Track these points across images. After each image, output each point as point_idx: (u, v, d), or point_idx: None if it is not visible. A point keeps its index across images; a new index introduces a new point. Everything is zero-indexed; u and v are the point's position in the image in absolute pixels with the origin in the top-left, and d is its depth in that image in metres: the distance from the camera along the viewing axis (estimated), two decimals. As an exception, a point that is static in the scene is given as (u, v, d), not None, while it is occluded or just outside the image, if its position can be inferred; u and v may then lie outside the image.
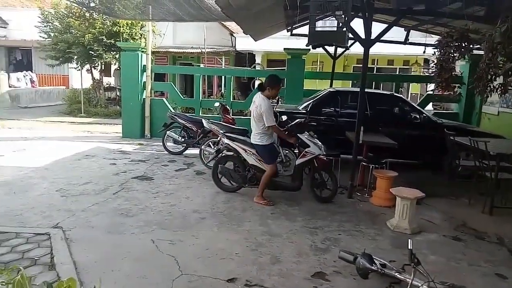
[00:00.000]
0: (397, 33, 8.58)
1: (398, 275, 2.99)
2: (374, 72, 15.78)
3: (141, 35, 13.77)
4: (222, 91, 14.42)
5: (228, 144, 5.29)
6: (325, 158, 5.10)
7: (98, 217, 4.38)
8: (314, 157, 4.98)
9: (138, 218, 4.40)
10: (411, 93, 16.94)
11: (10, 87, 16.67)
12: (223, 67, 16.00)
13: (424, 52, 8.14)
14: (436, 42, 5.06)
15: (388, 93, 7.68)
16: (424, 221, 4.65)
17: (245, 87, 16.26)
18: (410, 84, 16.73)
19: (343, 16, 4.13)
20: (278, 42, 12.70)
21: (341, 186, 5.70)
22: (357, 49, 9.08)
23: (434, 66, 5.12)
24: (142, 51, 9.43)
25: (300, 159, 5.05)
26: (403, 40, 8.80)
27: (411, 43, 8.69)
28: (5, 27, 18.93)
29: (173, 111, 9.15)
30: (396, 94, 7.56)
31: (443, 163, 6.71)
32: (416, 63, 15.31)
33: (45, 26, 14.04)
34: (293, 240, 3.97)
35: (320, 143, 5.07)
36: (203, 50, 15.34)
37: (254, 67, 15.96)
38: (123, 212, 4.56)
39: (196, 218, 4.49)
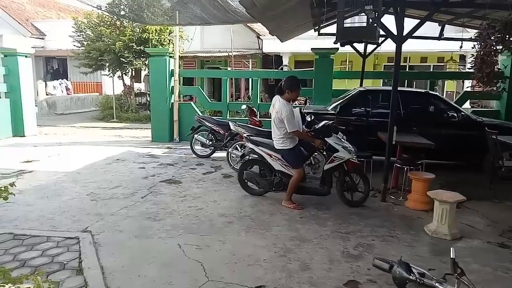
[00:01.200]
0: (430, 28, 8.19)
1: (439, 286, 2.76)
2: (407, 70, 15.22)
3: (169, 41, 13.96)
4: (250, 93, 14.38)
5: (252, 149, 5.17)
6: (356, 161, 4.87)
7: (126, 221, 4.39)
8: (343, 162, 4.77)
9: (165, 222, 4.36)
10: (446, 91, 16.23)
11: (47, 94, 17.39)
12: (250, 70, 15.97)
13: (460, 47, 7.70)
14: (476, 35, 4.73)
15: (422, 91, 7.33)
16: (465, 226, 4.33)
17: (272, 89, 16.13)
18: (445, 81, 16.02)
19: (373, 11, 3.92)
20: (306, 42, 12.48)
21: (374, 188, 5.46)
22: (388, 47, 8.75)
23: (474, 60, 4.78)
24: (170, 56, 9.53)
25: (328, 164, 4.83)
26: (437, 36, 8.38)
27: (446, 39, 8.26)
28: (43, 38, 19.81)
29: (200, 114, 9.18)
30: (431, 92, 7.20)
31: (484, 164, 6.30)
32: (451, 60, 14.65)
33: (78, 35, 14.55)
34: (323, 246, 3.80)
35: (350, 145, 4.83)
36: (230, 54, 15.38)
37: (282, 68, 15.82)
38: (151, 216, 4.55)
39: (223, 222, 4.40)
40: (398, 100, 6.26)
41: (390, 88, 5.32)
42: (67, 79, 20.35)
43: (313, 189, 5.04)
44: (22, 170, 6.64)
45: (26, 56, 10.26)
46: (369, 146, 6.03)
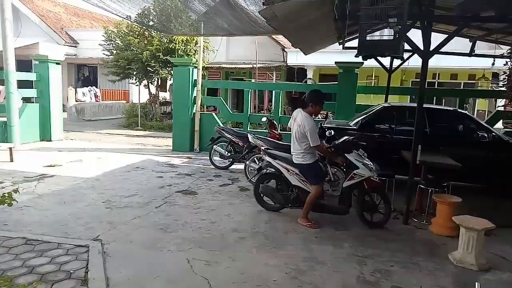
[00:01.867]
0: (461, 44, 7.89)
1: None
2: (436, 87, 14.75)
3: (195, 52, 14.14)
4: (273, 106, 14.31)
5: (269, 162, 5.03)
6: (377, 180, 4.65)
7: (138, 231, 4.34)
8: (363, 179, 4.56)
9: (177, 234, 4.28)
10: (477, 110, 15.60)
11: (76, 101, 17.96)
12: (273, 82, 15.94)
13: (493, 64, 7.34)
14: (509, 51, 4.47)
15: (451, 109, 7.01)
16: (494, 256, 4.01)
17: (296, 102, 15.98)
18: (477, 100, 15.42)
19: (397, 24, 3.75)
20: (330, 56, 12.33)
21: (396, 210, 5.19)
22: (416, 62, 8.44)
23: (507, 78, 4.51)
24: (194, 66, 9.61)
25: (348, 181, 4.62)
26: (467, 52, 8.05)
27: (477, 55, 7.92)
28: (76, 46, 20.59)
29: (221, 125, 9.16)
30: (460, 110, 6.87)
31: (516, 189, 5.91)
32: (483, 77, 14.10)
33: (108, 44, 14.99)
34: (338, 269, 3.60)
35: (370, 163, 4.62)
36: (255, 66, 15.42)
37: (306, 81, 15.70)
38: (163, 227, 4.48)
39: (235, 237, 4.27)
40: (424, 118, 6.02)
41: (415, 104, 5.10)
42: (96, 87, 20.98)
43: (331, 207, 4.84)
44: (44, 174, 6.77)
45: (57, 63, 10.60)
46: (391, 165, 5.80)
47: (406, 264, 3.78)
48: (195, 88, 9.62)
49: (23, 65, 14.96)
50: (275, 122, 7.88)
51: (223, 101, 10.43)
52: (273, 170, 5.12)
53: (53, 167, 7.37)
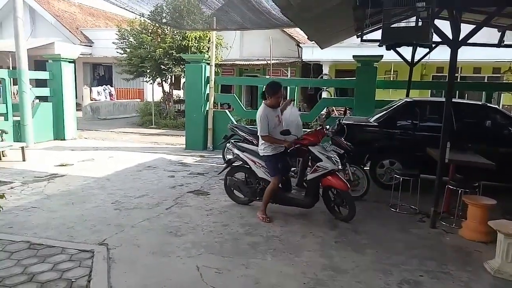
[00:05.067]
0: (486, 36, 7.41)
1: None
2: (459, 81, 14.15)
3: (208, 49, 13.93)
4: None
5: (238, 155, 5.01)
6: (342, 178, 4.53)
7: (146, 234, 4.11)
8: (327, 172, 4.41)
9: (187, 238, 4.04)
10: (503, 105, 14.90)
11: (91, 100, 18.01)
12: (287, 78, 15.58)
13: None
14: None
15: (480, 103, 6.56)
16: (535, 265, 3.62)
17: (311, 99, 15.64)
18: (502, 94, 14.73)
19: (425, 8, 3.39)
20: (347, 50, 11.93)
21: (422, 212, 4.83)
22: (437, 55, 8.03)
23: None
24: (207, 63, 9.37)
25: (312, 174, 4.54)
26: (495, 43, 7.55)
27: (507, 46, 7.42)
28: (91, 46, 20.67)
29: (234, 122, 8.90)
30: (490, 105, 6.41)
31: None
32: (509, 70, 13.43)
33: (121, 43, 14.91)
34: (360, 280, 3.28)
35: (335, 156, 4.49)
36: (269, 62, 15.10)
37: (321, 77, 15.30)
38: (173, 230, 4.24)
39: (248, 242, 4.00)
40: (451, 113, 5.61)
41: (441, 99, 4.72)
42: (111, 85, 21.03)
43: (294, 200, 4.77)
44: (55, 174, 6.64)
45: (69, 62, 10.52)
46: (416, 163, 5.44)
47: (436, 273, 3.43)
48: (208, 85, 9.39)
49: (41, 65, 15.02)
50: (290, 119, 7.55)
51: (237, 98, 10.15)
52: (241, 162, 5.11)
53: (64, 166, 7.25)
